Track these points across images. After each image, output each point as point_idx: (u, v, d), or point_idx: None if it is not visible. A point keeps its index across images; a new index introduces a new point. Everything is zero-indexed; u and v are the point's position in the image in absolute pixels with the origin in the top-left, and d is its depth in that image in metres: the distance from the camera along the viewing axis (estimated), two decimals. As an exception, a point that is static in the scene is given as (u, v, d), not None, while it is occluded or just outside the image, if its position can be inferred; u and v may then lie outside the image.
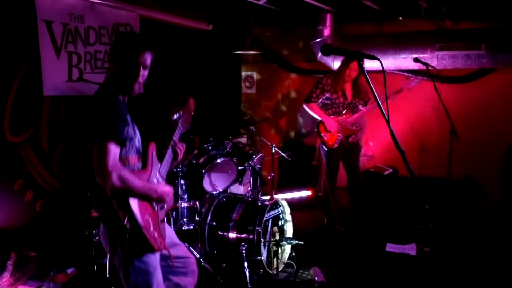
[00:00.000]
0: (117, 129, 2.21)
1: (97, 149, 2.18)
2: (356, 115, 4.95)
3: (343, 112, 5.01)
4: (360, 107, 4.98)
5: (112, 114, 2.23)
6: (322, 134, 5.03)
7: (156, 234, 2.36)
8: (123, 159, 2.30)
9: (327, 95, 4.99)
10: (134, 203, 2.25)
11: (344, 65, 4.89)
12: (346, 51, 2.22)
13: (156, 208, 2.45)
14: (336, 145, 4.97)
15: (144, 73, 2.41)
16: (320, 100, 5.04)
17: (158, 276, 2.43)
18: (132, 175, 2.26)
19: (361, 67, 2.14)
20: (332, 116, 5.01)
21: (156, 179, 2.51)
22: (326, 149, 5.04)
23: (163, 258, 2.58)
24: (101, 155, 2.16)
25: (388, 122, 2.13)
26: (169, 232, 2.71)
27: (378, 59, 2.08)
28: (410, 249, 4.56)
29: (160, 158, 2.62)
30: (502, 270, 4.18)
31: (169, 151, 2.68)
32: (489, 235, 5.05)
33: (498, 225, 5.33)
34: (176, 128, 2.80)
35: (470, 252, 4.62)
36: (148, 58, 2.41)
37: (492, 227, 5.27)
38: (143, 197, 2.31)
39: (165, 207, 2.55)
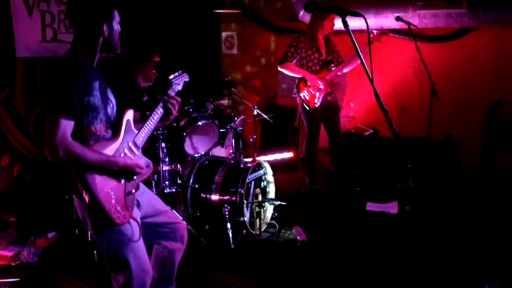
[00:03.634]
0: (69, 101, 2.10)
1: (48, 121, 2.10)
2: (333, 71, 4.87)
3: (319, 69, 4.93)
4: (332, 66, 4.89)
5: (65, 85, 2.11)
6: (302, 94, 4.96)
7: (118, 208, 2.27)
8: (85, 129, 2.20)
9: (302, 53, 4.87)
10: (92, 175, 2.18)
11: (320, 17, 4.78)
12: (330, 7, 2.15)
13: (122, 180, 2.35)
14: (317, 104, 4.93)
15: (119, 29, 2.32)
16: (295, 60, 4.91)
17: (135, 246, 2.36)
18: (86, 149, 2.15)
19: (345, 24, 2.08)
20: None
21: (128, 148, 2.39)
22: (307, 109, 5.00)
23: (149, 225, 2.55)
24: (50, 128, 2.08)
25: (371, 81, 2.11)
26: (152, 200, 2.66)
27: (363, 16, 2.04)
28: (391, 208, 4.63)
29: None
30: (476, 227, 4.29)
31: (158, 110, 2.56)
32: (466, 195, 5.15)
33: (475, 186, 5.43)
34: (171, 85, 2.72)
35: (448, 211, 4.72)
36: (117, 16, 2.32)
37: (469, 188, 5.38)
38: (102, 170, 2.22)
39: (135, 179, 2.43)
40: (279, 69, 4.97)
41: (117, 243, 2.33)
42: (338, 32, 5.01)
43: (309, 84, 4.88)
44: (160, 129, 3.90)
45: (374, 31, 4.75)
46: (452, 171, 5.65)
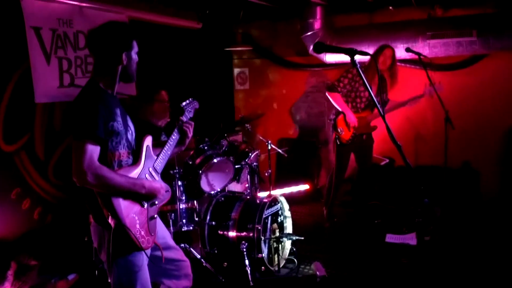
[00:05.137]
0: (95, 127, 2.17)
1: (74, 147, 2.17)
2: (375, 114, 4.86)
3: (364, 108, 4.91)
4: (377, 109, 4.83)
5: (91, 111, 2.19)
6: (339, 129, 4.93)
7: (143, 232, 2.32)
8: (109, 155, 2.28)
9: (354, 86, 4.81)
10: (117, 201, 2.23)
11: (377, 53, 4.75)
12: (338, 48, 2.20)
13: (145, 205, 2.40)
14: (349, 142, 4.94)
15: (136, 59, 2.41)
16: (345, 91, 4.86)
17: (143, 276, 2.38)
18: (112, 172, 2.22)
19: (354, 64, 2.12)
20: (352, 111, 4.88)
21: (149, 173, 2.45)
22: (338, 143, 5.00)
23: (155, 259, 2.55)
24: (77, 154, 2.15)
25: (383, 117, 2.12)
26: (164, 233, 2.69)
27: (371, 55, 2.07)
28: (410, 239, 4.57)
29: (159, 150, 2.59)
30: (501, 258, 4.20)
31: (174, 135, 2.63)
32: (488, 222, 5.06)
33: (496, 212, 5.34)
34: (184, 112, 2.80)
35: (469, 239, 4.63)
36: (136, 47, 2.41)
37: (490, 214, 5.29)
38: (128, 194, 2.28)
39: (156, 204, 2.49)
40: (327, 94, 4.93)
41: (128, 274, 2.35)
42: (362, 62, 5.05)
43: (347, 122, 4.88)
44: (177, 168, 3.95)
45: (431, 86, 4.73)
46: (472, 198, 5.57)
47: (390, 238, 4.68)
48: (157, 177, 2.52)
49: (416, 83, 5.81)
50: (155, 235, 2.45)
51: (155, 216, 2.49)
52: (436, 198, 5.24)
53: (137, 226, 2.31)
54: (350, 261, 4.29)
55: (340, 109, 4.89)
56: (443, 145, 4.84)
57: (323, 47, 2.15)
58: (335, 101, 4.86)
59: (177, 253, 2.73)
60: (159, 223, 2.65)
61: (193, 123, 2.73)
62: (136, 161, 2.42)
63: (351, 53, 2.12)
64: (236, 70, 7.25)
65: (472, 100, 5.79)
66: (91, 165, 2.15)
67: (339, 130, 4.93)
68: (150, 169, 2.48)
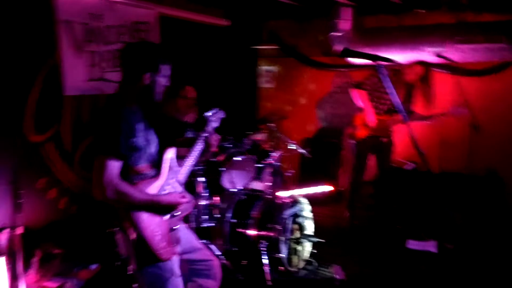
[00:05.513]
0: (116, 144, 2.23)
1: (96, 162, 2.24)
2: (393, 118, 4.84)
3: (386, 111, 4.88)
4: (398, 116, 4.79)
5: (112, 130, 2.25)
6: (355, 124, 4.93)
7: (164, 244, 2.36)
8: (130, 169, 2.33)
9: (381, 87, 4.78)
10: (137, 214, 2.28)
11: (407, 65, 4.80)
12: (364, 54, 2.18)
13: (166, 217, 2.44)
14: (364, 141, 4.92)
15: (163, 82, 2.43)
16: (371, 89, 4.87)
17: (174, 281, 2.42)
18: (132, 188, 2.27)
19: (378, 69, 2.11)
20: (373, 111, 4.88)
21: (171, 185, 2.50)
22: (354, 141, 4.99)
23: (185, 261, 2.60)
24: (98, 169, 2.22)
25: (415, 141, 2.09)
26: (189, 237, 2.73)
27: (393, 62, 2.06)
28: (431, 246, 4.52)
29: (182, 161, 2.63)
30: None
31: (198, 146, 2.68)
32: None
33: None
34: (208, 122, 2.86)
35: (492, 249, 4.56)
36: (167, 70, 2.42)
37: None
38: (148, 207, 2.32)
39: (177, 215, 2.53)
40: (352, 91, 4.97)
41: (158, 280, 2.39)
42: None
43: (366, 122, 4.88)
44: (199, 164, 3.98)
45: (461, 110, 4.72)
46: (496, 207, 5.47)
47: (411, 244, 4.63)
48: (180, 189, 2.57)
49: (442, 88, 5.75)
50: (176, 245, 2.49)
51: (177, 226, 2.53)
52: (458, 205, 5.17)
53: (158, 237, 2.35)
54: (369, 266, 4.27)
55: (361, 107, 4.88)
56: (468, 151, 4.78)
57: (350, 53, 2.14)
58: (360, 98, 4.88)
59: (205, 253, 2.77)
60: (183, 229, 2.68)
61: (219, 136, 2.77)
62: (158, 173, 2.46)
63: (375, 58, 2.11)
64: (261, 69, 7.25)
65: (500, 106, 5.68)
66: (111, 181, 2.21)
67: (355, 125, 4.93)
68: (172, 181, 2.52)
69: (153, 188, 2.39)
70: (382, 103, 4.89)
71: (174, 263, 2.46)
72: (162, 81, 2.42)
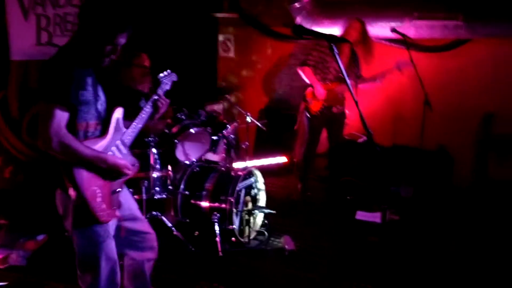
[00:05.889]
0: (67, 93, 2.14)
1: (43, 111, 2.13)
2: (344, 85, 4.86)
3: (333, 79, 4.89)
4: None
5: (65, 76, 2.14)
6: (308, 99, 4.97)
7: (104, 206, 2.30)
8: (77, 124, 2.24)
9: (323, 57, 4.80)
10: (79, 172, 2.21)
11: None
12: (318, 33, 2.17)
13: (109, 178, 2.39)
14: (319, 113, 4.96)
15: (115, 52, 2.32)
16: (314, 63, 4.88)
17: (108, 247, 2.38)
18: (78, 142, 2.19)
19: (332, 50, 2.10)
20: (321, 83, 4.90)
21: (116, 146, 2.42)
22: (308, 116, 5.02)
23: (121, 230, 2.54)
24: (45, 119, 2.11)
25: (356, 103, 2.11)
26: (131, 204, 2.66)
27: (350, 42, 2.05)
28: (377, 217, 4.65)
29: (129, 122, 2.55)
30: (466, 240, 4.33)
31: (146, 108, 2.59)
32: (458, 206, 5.17)
33: (467, 198, 5.45)
34: (160, 84, 2.76)
35: (438, 222, 4.74)
36: (124, 38, 2.31)
37: (461, 199, 5.39)
38: (91, 166, 2.25)
39: (120, 178, 2.46)
40: (298, 70, 4.96)
41: (92, 242, 2.35)
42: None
43: (315, 94, 4.90)
44: (152, 135, 3.92)
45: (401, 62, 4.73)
46: (445, 182, 5.67)
47: (360, 215, 4.75)
48: (125, 151, 2.48)
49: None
50: (116, 208, 2.44)
51: (119, 189, 2.47)
52: (410, 178, 5.33)
53: (99, 199, 2.29)
54: (320, 237, 4.37)
55: (309, 82, 4.91)
56: (421, 126, 4.89)
57: (302, 30, 2.12)
58: (305, 75, 4.91)
59: (144, 225, 2.71)
60: (125, 194, 2.62)
61: (168, 100, 2.68)
62: (104, 133, 2.38)
63: (330, 39, 2.10)
64: (221, 37, 7.13)
65: (453, 84, 5.81)
66: (58, 131, 2.12)
67: (308, 100, 4.95)
68: (118, 142, 2.44)
69: (98, 148, 2.31)
70: (328, 72, 4.90)
71: (111, 226, 2.41)
72: (108, 48, 2.29)
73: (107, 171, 2.33)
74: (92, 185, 2.27)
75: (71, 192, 2.21)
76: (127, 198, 2.64)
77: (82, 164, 2.21)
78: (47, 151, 2.14)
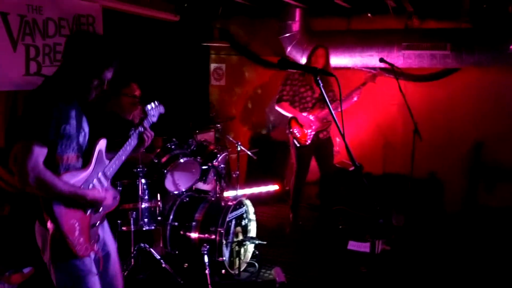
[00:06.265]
0: (45, 129, 2.11)
1: (21, 146, 2.09)
2: (326, 110, 4.92)
3: (312, 107, 4.98)
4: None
5: (44, 113, 2.12)
6: (294, 130, 5.00)
7: (82, 240, 2.25)
8: (57, 158, 2.20)
9: (296, 90, 4.96)
10: (58, 206, 2.17)
11: (310, 54, 4.94)
12: (302, 66, 2.20)
13: (88, 212, 2.34)
14: (308, 142, 4.97)
15: (97, 85, 2.31)
16: (290, 97, 5.01)
17: (90, 281, 2.32)
18: (56, 178, 2.14)
19: (317, 82, 2.11)
20: (302, 112, 5.00)
21: (97, 179, 2.38)
22: (298, 145, 5.03)
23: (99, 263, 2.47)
24: (23, 154, 2.07)
25: (343, 136, 2.11)
26: (108, 240, 2.59)
27: (335, 76, 2.06)
28: (367, 247, 4.62)
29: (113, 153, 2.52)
30: (458, 267, 4.29)
31: (131, 140, 2.56)
32: (449, 234, 5.16)
33: (457, 224, 5.45)
34: (147, 117, 2.72)
35: (430, 250, 4.71)
36: (111, 72, 2.31)
37: (452, 226, 5.39)
38: (69, 201, 2.21)
39: (100, 211, 2.43)
40: (276, 107, 5.08)
41: (72, 278, 2.29)
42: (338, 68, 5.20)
43: (300, 124, 4.93)
44: (141, 166, 3.88)
45: (372, 71, 4.88)
46: (435, 209, 5.67)
47: (351, 245, 4.71)
48: (106, 183, 2.45)
49: (388, 92, 5.88)
50: (94, 243, 2.39)
51: (97, 223, 2.43)
52: (401, 206, 5.32)
53: (76, 233, 2.24)
54: (311, 268, 4.31)
55: (290, 115, 5.02)
56: (411, 155, 4.91)
57: (287, 64, 2.13)
58: (284, 110, 5.04)
59: (115, 267, 2.61)
60: (104, 229, 2.58)
61: (153, 133, 2.67)
62: (85, 165, 2.35)
63: (315, 72, 2.11)
64: (212, 66, 7.17)
65: (442, 113, 5.87)
66: (35, 167, 2.08)
67: (295, 131, 5.00)
68: (100, 174, 2.41)
69: (78, 181, 2.27)
70: (305, 102, 5.01)
71: (91, 261, 2.35)
72: (95, 82, 2.29)
73: (87, 205, 2.30)
74: (71, 219, 2.23)
75: (49, 225, 2.18)
76: (107, 235, 2.59)
77: (61, 199, 2.18)
78: (24, 187, 2.11)
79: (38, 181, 2.08)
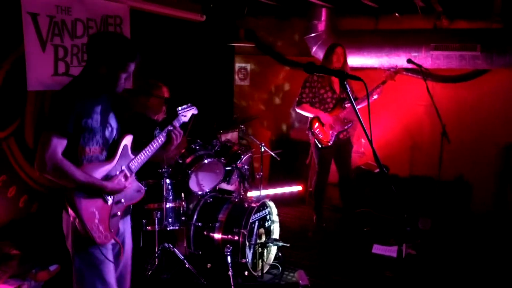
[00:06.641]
0: (64, 122, 2.22)
1: (41, 137, 2.23)
2: (347, 109, 4.87)
3: (333, 107, 4.93)
4: (346, 104, 4.88)
5: (65, 106, 2.24)
6: (316, 131, 4.94)
7: (101, 228, 2.34)
8: (79, 149, 2.31)
9: (315, 92, 4.91)
10: (77, 194, 2.28)
11: (329, 53, 4.86)
12: (329, 70, 2.16)
13: (109, 202, 2.43)
14: (331, 142, 4.91)
15: (124, 76, 2.40)
16: (310, 99, 4.97)
17: (104, 270, 2.41)
18: (74, 168, 2.24)
19: (344, 86, 2.08)
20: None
21: (120, 171, 2.47)
22: (320, 146, 4.98)
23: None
24: (42, 144, 2.21)
25: (370, 142, 2.06)
26: (126, 238, 2.67)
27: (362, 80, 2.02)
28: (393, 252, 4.54)
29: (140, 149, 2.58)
30: (488, 273, 4.19)
31: (159, 138, 2.63)
32: (476, 237, 5.05)
33: (485, 228, 5.32)
34: (177, 117, 2.80)
35: (456, 255, 4.61)
36: (134, 65, 2.40)
37: (479, 230, 5.26)
38: (88, 190, 2.30)
39: (123, 202, 2.51)
40: (297, 110, 5.04)
41: (89, 264, 2.38)
42: (356, 68, 5.09)
43: (323, 123, 4.88)
44: (165, 166, 3.91)
45: (391, 69, 4.79)
46: (463, 213, 5.55)
47: (376, 249, 4.65)
48: (130, 175, 2.53)
49: (415, 92, 5.78)
50: (115, 232, 2.46)
51: (118, 213, 2.50)
52: (428, 210, 5.22)
53: (96, 221, 2.33)
54: (335, 271, 4.26)
55: (312, 115, 4.95)
56: (438, 157, 4.81)
57: (314, 68, 2.09)
58: (306, 111, 4.98)
59: (127, 269, 2.71)
60: (125, 225, 2.65)
61: (182, 132, 2.73)
62: (109, 158, 2.44)
63: (342, 76, 2.08)
64: (237, 66, 7.18)
65: (470, 114, 5.75)
66: (52, 157, 2.20)
67: (316, 132, 4.94)
68: (124, 167, 2.50)
69: (101, 172, 2.37)
70: (326, 102, 4.95)
71: (109, 249, 2.45)
72: (123, 75, 2.39)
73: (106, 194, 2.40)
74: (91, 207, 2.32)
75: (70, 212, 2.28)
76: (126, 230, 2.67)
77: (79, 188, 2.28)
78: (43, 175, 2.23)
79: (55, 170, 2.21)
